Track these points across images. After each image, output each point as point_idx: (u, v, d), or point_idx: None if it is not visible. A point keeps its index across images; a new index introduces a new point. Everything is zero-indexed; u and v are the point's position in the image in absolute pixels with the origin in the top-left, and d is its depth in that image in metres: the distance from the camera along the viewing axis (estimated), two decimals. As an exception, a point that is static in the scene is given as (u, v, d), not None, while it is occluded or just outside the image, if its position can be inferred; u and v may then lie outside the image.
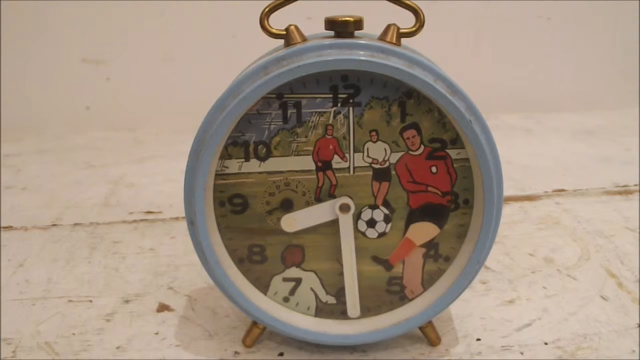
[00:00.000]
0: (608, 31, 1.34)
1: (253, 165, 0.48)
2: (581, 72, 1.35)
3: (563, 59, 1.34)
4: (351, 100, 0.47)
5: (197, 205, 0.47)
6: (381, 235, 0.50)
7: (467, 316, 0.57)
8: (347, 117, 0.47)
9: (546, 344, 0.53)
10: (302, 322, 0.51)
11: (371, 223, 0.49)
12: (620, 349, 0.52)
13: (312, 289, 0.51)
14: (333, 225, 0.49)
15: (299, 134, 0.47)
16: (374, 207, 0.49)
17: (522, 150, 1.07)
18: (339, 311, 0.51)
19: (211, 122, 0.46)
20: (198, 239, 0.48)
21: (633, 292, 0.60)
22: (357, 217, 0.49)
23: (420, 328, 0.51)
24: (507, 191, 0.74)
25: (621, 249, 0.69)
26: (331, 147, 0.48)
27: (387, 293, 0.51)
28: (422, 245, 0.50)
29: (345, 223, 0.49)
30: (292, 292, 0.51)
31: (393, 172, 0.48)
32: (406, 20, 0.49)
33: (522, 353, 0.52)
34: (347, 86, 0.46)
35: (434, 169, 0.48)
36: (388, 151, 0.48)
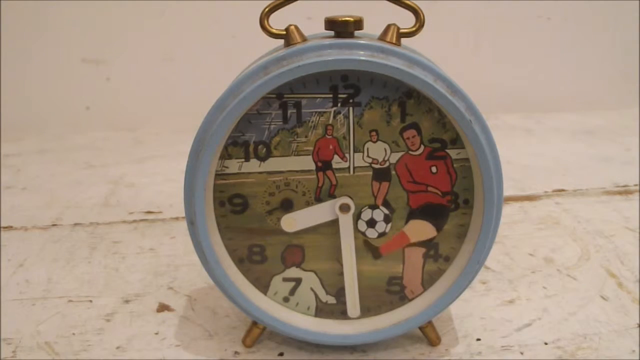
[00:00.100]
0: (608, 31, 1.34)
1: (253, 165, 0.48)
2: (581, 72, 1.35)
3: (563, 59, 1.34)
4: (351, 100, 0.47)
5: (197, 205, 0.47)
6: (381, 235, 0.50)
7: (467, 316, 0.57)
8: (347, 117, 0.47)
9: (546, 344, 0.53)
10: (302, 322, 0.51)
11: (371, 223, 0.49)
12: (620, 349, 0.52)
13: (312, 289, 0.51)
14: (333, 225, 0.49)
15: (299, 134, 0.47)
16: (374, 207, 0.49)
17: (522, 150, 1.07)
18: (339, 311, 0.51)
19: (211, 122, 0.46)
20: (198, 239, 0.48)
21: (633, 292, 0.60)
22: (357, 217, 0.49)
23: (420, 328, 0.51)
24: (507, 191, 0.74)
25: (621, 249, 0.69)
26: (331, 147, 0.48)
27: (387, 293, 0.51)
28: (422, 245, 0.50)
29: (345, 223, 0.49)
30: (292, 292, 0.51)
31: (393, 172, 0.48)
32: (406, 20, 0.49)
33: (522, 353, 0.52)
34: (347, 86, 0.46)
35: (434, 169, 0.48)
36: (388, 151, 0.48)
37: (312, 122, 0.47)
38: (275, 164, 0.48)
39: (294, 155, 0.48)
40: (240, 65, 0.55)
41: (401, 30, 0.47)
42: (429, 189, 0.48)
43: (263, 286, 0.51)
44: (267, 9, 0.47)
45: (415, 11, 0.47)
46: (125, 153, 1.11)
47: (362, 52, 0.45)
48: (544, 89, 1.34)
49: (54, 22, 1.22)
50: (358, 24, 0.47)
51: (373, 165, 0.48)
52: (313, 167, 0.48)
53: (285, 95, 0.46)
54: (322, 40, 0.46)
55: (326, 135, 0.48)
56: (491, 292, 0.61)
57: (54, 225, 0.79)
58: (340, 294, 0.51)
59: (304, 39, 0.47)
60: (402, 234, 0.50)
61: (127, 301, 0.60)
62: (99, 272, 0.66)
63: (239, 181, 0.49)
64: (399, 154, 0.48)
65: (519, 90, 1.33)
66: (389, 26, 0.47)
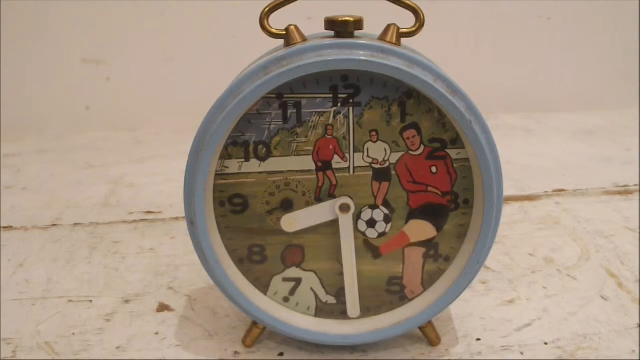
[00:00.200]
0: (608, 31, 1.34)
1: (253, 165, 0.48)
2: (581, 72, 1.35)
3: (563, 59, 1.34)
4: (351, 100, 0.47)
5: (197, 205, 0.47)
6: (381, 235, 0.50)
7: (467, 316, 0.57)
8: (347, 117, 0.47)
9: (546, 344, 0.53)
10: (302, 322, 0.51)
11: (371, 223, 0.49)
12: (620, 349, 0.52)
13: (312, 289, 0.51)
14: (333, 225, 0.49)
15: (299, 134, 0.47)
16: (374, 207, 0.49)
17: (522, 150, 1.07)
18: (339, 311, 0.51)
19: (211, 122, 0.46)
20: (198, 239, 0.48)
21: (633, 292, 0.60)
22: (357, 217, 0.49)
23: (420, 328, 0.51)
24: (507, 191, 0.74)
25: (621, 249, 0.69)
26: (331, 147, 0.48)
27: (387, 293, 0.51)
28: (421, 245, 0.50)
29: (345, 223, 0.49)
30: (292, 292, 0.51)
31: (393, 172, 0.48)
32: (406, 20, 0.49)
33: (522, 353, 0.52)
34: (347, 86, 0.46)
35: (434, 169, 0.48)
36: (388, 151, 0.48)
37: (312, 122, 0.47)
38: (275, 164, 0.48)
39: (294, 155, 0.48)
40: (240, 65, 0.55)
41: (401, 30, 0.47)
42: (429, 189, 0.48)
43: (263, 286, 0.51)
44: (267, 9, 0.47)
45: (415, 11, 0.47)
46: (125, 153, 1.11)
47: (362, 52, 0.45)
48: (544, 89, 1.34)
49: (54, 22, 1.22)
50: (358, 24, 0.47)
51: (373, 165, 0.48)
52: (313, 167, 0.48)
53: (285, 95, 0.46)
54: (322, 40, 0.46)
55: (326, 135, 0.48)
56: (491, 292, 0.61)
57: (54, 225, 0.79)
58: (340, 294, 0.51)
59: (304, 39, 0.47)
60: (402, 234, 0.50)
61: (127, 301, 0.60)
62: (99, 272, 0.66)
63: (239, 181, 0.49)
64: (399, 154, 0.48)
65: (519, 90, 1.33)
66: (389, 26, 0.47)
